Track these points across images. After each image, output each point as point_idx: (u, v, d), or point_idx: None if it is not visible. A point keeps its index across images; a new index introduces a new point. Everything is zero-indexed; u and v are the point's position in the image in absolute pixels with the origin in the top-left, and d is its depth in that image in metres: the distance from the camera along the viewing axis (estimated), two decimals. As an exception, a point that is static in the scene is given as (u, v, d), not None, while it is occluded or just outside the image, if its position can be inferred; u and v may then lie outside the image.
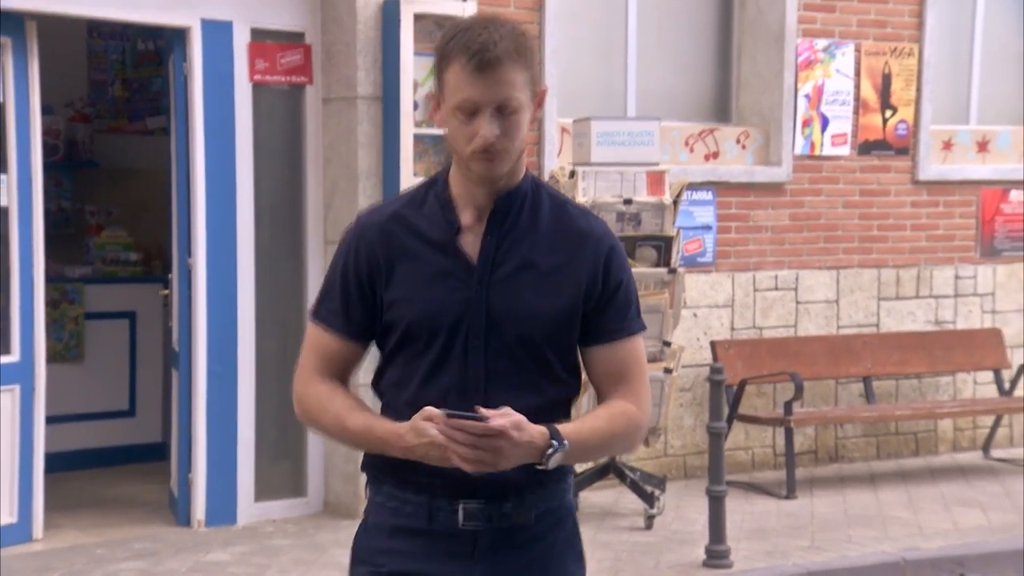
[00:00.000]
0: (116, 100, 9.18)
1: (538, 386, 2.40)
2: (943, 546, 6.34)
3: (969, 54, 8.88)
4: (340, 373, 2.47)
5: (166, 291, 7.01)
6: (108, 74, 9.15)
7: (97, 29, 8.81)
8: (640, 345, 2.49)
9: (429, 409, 2.26)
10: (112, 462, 7.90)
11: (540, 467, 2.29)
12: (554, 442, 2.28)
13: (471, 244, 2.40)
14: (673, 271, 6.41)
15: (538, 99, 2.38)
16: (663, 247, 6.38)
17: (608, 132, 6.30)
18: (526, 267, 2.39)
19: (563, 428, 2.32)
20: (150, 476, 7.58)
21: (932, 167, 8.56)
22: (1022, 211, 8.94)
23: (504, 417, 2.23)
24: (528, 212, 2.41)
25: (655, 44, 7.85)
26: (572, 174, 6.32)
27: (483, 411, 2.24)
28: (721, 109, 8.17)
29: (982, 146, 8.90)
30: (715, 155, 7.90)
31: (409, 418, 2.31)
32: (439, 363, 2.38)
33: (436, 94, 2.38)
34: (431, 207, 2.42)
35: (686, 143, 7.79)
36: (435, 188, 2.43)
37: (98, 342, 7.97)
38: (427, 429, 2.24)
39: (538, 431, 2.27)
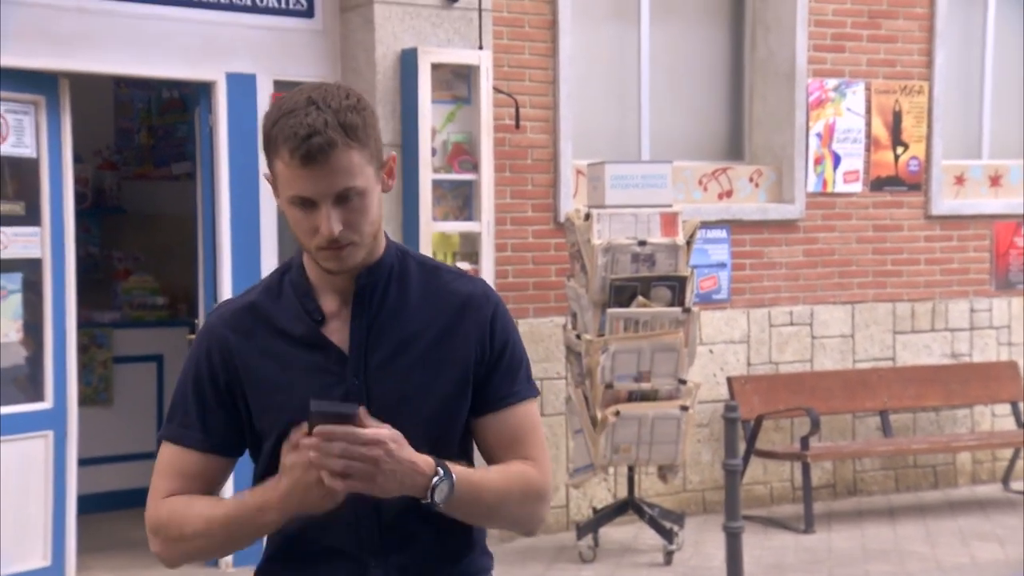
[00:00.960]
0: (142, 147, 9.39)
1: None
2: (960, 580, 6.42)
3: (980, 90, 9.01)
4: (203, 494, 2.18)
5: (192, 335, 7.17)
6: (134, 122, 9.37)
7: (124, 79, 9.03)
8: (535, 411, 2.26)
9: (293, 434, 2.02)
10: (140, 503, 8.00)
11: (426, 502, 2.05)
12: (440, 470, 2.05)
13: (339, 332, 2.15)
14: (688, 310, 6.53)
15: (386, 169, 2.15)
16: (677, 287, 6.51)
17: (622, 175, 6.44)
18: (404, 346, 2.16)
19: (452, 465, 2.09)
20: (178, 517, 7.71)
21: (945, 202, 8.67)
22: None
23: (383, 428, 2.02)
24: (396, 286, 2.18)
25: (667, 86, 8.00)
26: (587, 216, 6.46)
27: (361, 410, 2.02)
28: (734, 148, 8.31)
29: (994, 180, 9.01)
30: (728, 194, 8.04)
31: (298, 535, 2.14)
32: None
33: (270, 178, 2.13)
34: (288, 297, 2.18)
35: (700, 182, 7.94)
36: (290, 275, 2.20)
37: (126, 385, 8.14)
38: (297, 456, 1.99)
39: (421, 457, 2.04)
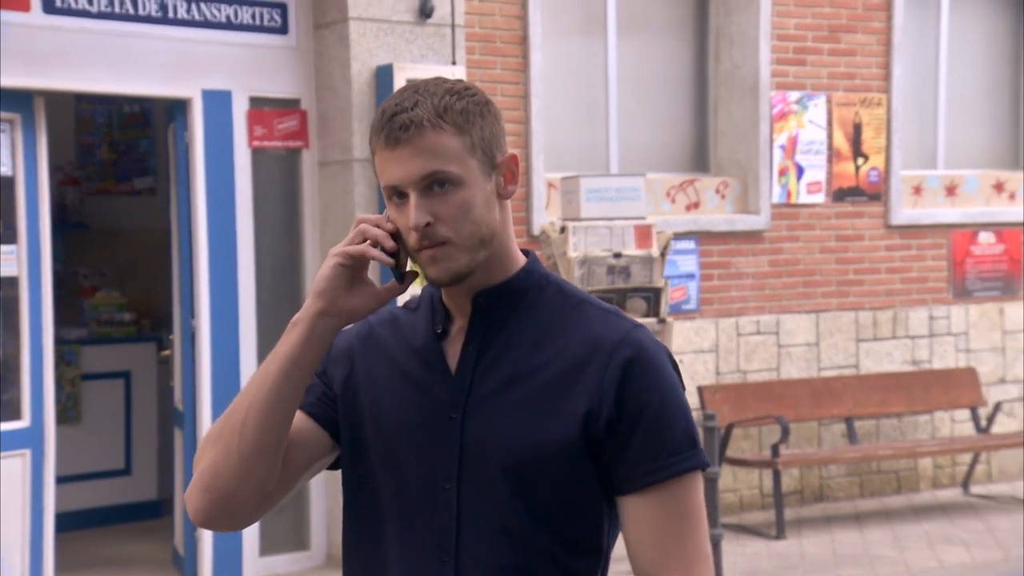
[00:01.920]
0: (103, 162, 9.36)
1: (529, 540, 1.83)
2: (931, 582, 6.55)
3: (934, 102, 9.18)
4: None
5: (167, 352, 7.16)
6: (95, 137, 9.34)
7: (95, 96, 9.00)
8: (689, 497, 1.84)
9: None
10: (109, 521, 8.01)
11: None
12: None
13: (454, 356, 1.91)
14: (663, 321, 6.62)
15: (502, 170, 1.88)
16: (652, 298, 6.60)
17: (596, 188, 6.52)
18: (511, 384, 1.86)
19: None
20: (148, 534, 7.70)
21: (904, 212, 8.84)
22: (991, 252, 9.23)
23: None
24: (523, 315, 1.90)
25: (635, 99, 8.10)
26: (563, 229, 6.53)
27: None
28: (700, 160, 8.43)
29: (950, 190, 9.19)
30: (696, 205, 8.15)
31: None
32: (399, 502, 1.89)
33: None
34: (425, 308, 1.97)
35: (668, 194, 8.04)
36: (431, 288, 1.98)
37: (94, 403, 8.10)
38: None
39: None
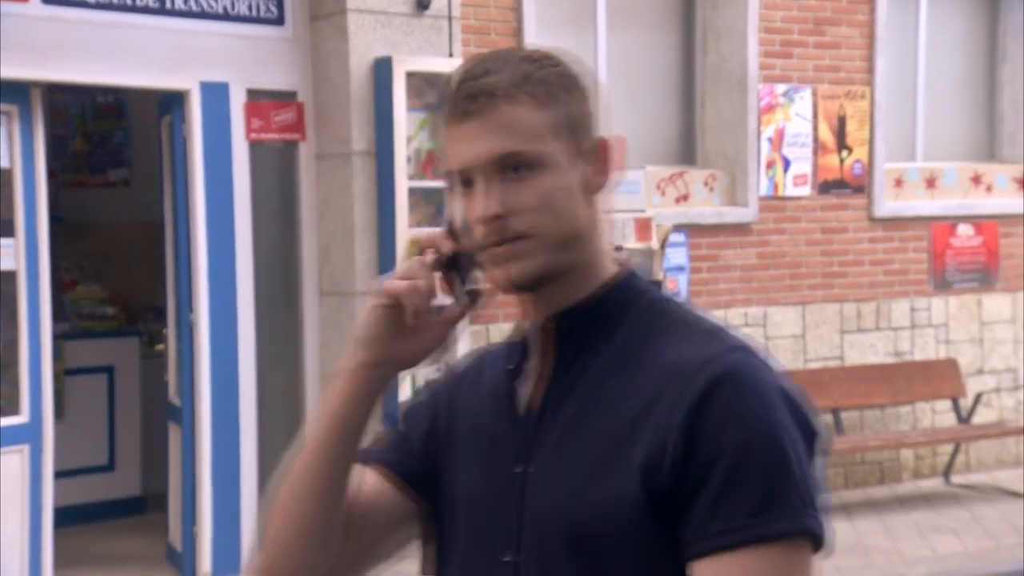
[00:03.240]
0: (77, 154, 9.25)
1: None
2: (927, 573, 6.61)
3: (914, 95, 9.26)
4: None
5: (161, 346, 7.09)
6: (69, 129, 9.23)
7: (57, 85, 8.88)
8: (782, 565, 1.41)
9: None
10: (92, 517, 7.92)
11: None
12: None
13: (526, 395, 1.57)
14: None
15: (591, 157, 1.53)
16: (652, 291, 6.62)
17: (598, 182, 6.52)
18: (577, 424, 1.50)
19: None
20: (134, 530, 7.62)
21: (886, 204, 8.91)
22: (969, 245, 9.33)
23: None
24: (606, 339, 1.53)
25: (623, 92, 8.10)
26: (564, 223, 6.54)
27: None
28: (687, 153, 8.45)
29: (930, 183, 9.28)
30: (685, 198, 8.17)
31: None
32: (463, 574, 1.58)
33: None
34: (519, 341, 1.62)
35: (658, 187, 8.06)
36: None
37: (77, 398, 8.00)
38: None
39: None
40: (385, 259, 6.54)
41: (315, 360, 6.75)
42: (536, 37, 7.38)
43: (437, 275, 1.53)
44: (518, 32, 7.30)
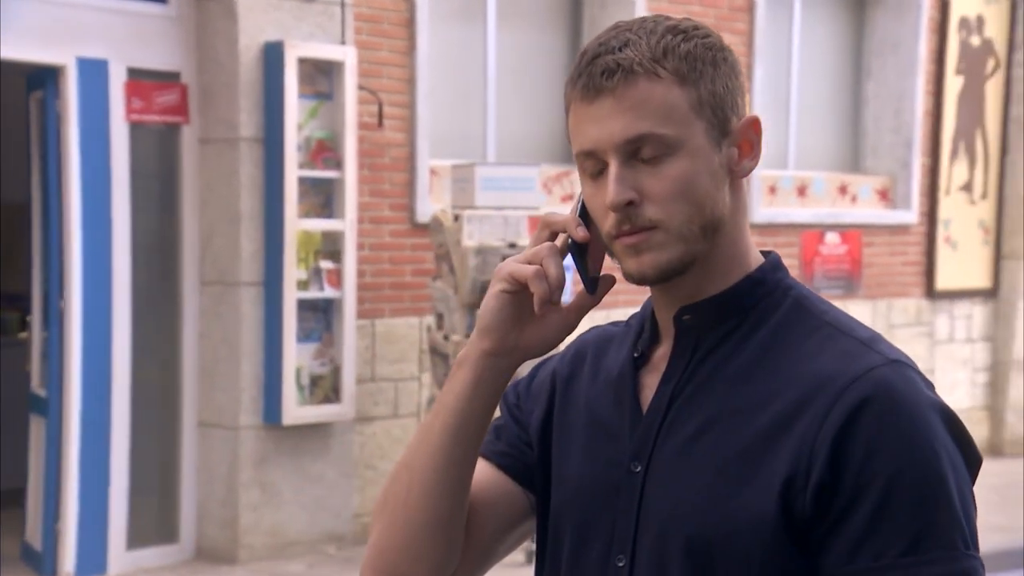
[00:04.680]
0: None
1: None
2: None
3: (787, 104, 9.40)
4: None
5: (25, 334, 6.75)
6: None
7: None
8: None
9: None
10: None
11: None
12: None
13: (650, 389, 1.46)
14: (551, 314, 6.57)
15: (737, 138, 1.41)
16: (541, 290, 6.54)
17: (492, 178, 6.42)
18: (709, 428, 1.39)
19: None
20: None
21: (761, 210, 9.01)
22: (835, 253, 9.51)
23: None
24: (743, 337, 1.41)
25: (512, 89, 8.02)
26: (456, 218, 6.41)
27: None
28: (571, 153, 8.38)
29: (801, 191, 9.42)
30: (570, 197, 8.12)
31: None
32: (573, 573, 1.49)
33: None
34: (636, 323, 1.52)
35: (544, 185, 7.98)
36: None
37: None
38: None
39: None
40: (272, 248, 6.33)
41: (193, 350, 6.50)
42: (428, 28, 7.24)
43: (565, 261, 1.42)
44: (410, 23, 7.15)
